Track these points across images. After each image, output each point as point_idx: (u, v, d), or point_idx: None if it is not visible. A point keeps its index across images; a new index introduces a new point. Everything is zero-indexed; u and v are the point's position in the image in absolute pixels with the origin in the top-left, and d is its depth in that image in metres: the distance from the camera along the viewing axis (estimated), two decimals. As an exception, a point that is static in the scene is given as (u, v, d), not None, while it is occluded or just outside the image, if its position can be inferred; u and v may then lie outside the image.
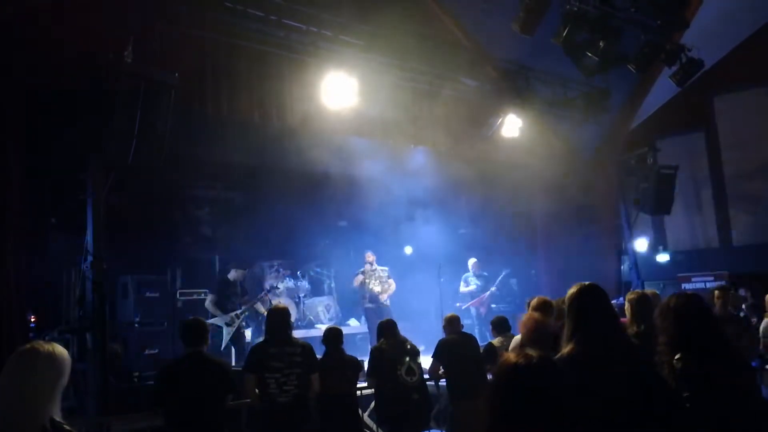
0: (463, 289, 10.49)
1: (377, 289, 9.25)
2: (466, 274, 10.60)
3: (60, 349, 2.19)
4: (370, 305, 9.18)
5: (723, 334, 2.84)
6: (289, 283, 10.58)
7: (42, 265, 7.37)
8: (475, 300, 10.37)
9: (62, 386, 2.16)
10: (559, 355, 2.73)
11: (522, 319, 4.26)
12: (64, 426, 2.09)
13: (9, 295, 5.77)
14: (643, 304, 4.39)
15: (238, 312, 7.93)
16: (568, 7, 7.59)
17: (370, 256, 9.47)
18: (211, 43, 7.27)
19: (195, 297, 8.50)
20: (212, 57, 7.27)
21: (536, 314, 4.26)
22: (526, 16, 7.30)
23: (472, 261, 10.66)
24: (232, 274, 8.23)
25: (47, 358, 2.13)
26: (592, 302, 2.84)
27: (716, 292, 5.95)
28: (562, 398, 1.67)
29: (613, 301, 3.46)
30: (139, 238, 8.83)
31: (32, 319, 6.93)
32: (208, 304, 7.94)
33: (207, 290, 8.48)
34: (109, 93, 5.60)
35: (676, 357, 2.71)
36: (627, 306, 4.54)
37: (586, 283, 2.95)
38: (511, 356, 1.76)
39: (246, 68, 7.54)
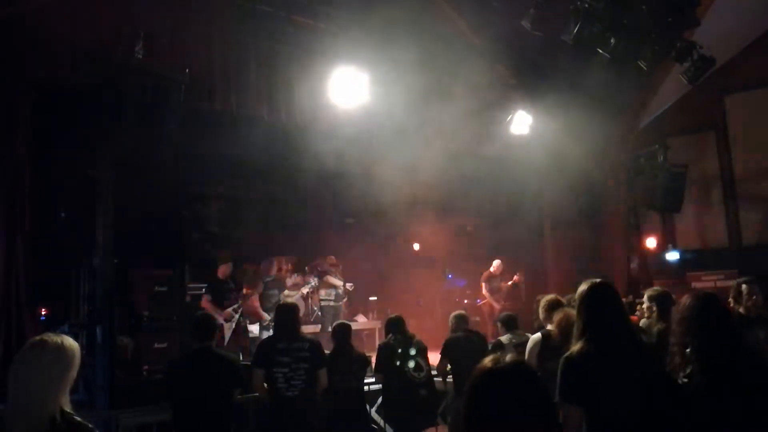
0: (485, 292, 10.40)
1: (340, 289, 9.41)
2: (488, 273, 10.54)
3: (69, 341, 2.21)
4: (332, 303, 9.30)
5: (735, 336, 2.81)
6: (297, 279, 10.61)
7: (52, 259, 7.42)
8: (492, 299, 10.31)
9: (72, 377, 2.18)
10: (569, 352, 2.73)
11: (559, 316, 4.19)
12: (74, 417, 2.11)
13: (20, 288, 5.83)
14: (666, 301, 4.37)
15: (235, 306, 7.94)
16: (578, 3, 7.55)
17: (332, 259, 9.59)
18: (220, 39, 7.29)
19: (202, 292, 8.52)
20: (221, 53, 7.29)
21: (570, 310, 4.18)
22: (536, 13, 7.27)
23: (497, 262, 10.61)
24: (221, 271, 8.22)
25: (57, 350, 2.15)
26: (602, 300, 2.83)
27: None
28: (536, 404, 1.62)
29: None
30: (148, 234, 8.86)
31: (43, 313, 6.99)
32: (204, 303, 7.93)
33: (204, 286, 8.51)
34: (118, 89, 5.62)
35: (686, 350, 2.70)
36: (648, 304, 4.51)
37: (597, 280, 2.93)
38: (485, 361, 1.71)
39: (255, 65, 7.56)
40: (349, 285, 9.76)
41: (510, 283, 10.64)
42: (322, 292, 9.46)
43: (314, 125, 8.11)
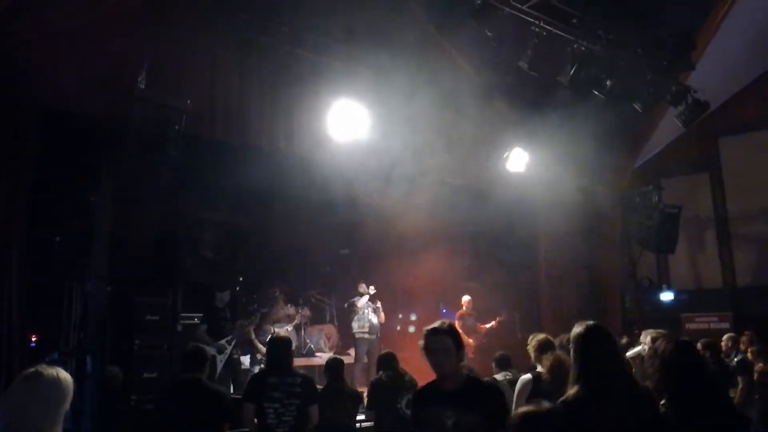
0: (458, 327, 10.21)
1: (375, 321, 9.13)
2: (460, 312, 10.43)
3: (64, 374, 2.21)
4: (368, 336, 8.98)
5: (711, 382, 2.83)
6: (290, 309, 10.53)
7: (44, 284, 7.37)
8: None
9: (65, 410, 2.17)
10: (565, 396, 2.72)
11: (549, 361, 4.20)
12: None
13: (11, 312, 5.77)
14: None
15: (229, 339, 7.79)
16: (575, 46, 7.71)
17: (365, 287, 9.33)
18: (222, 70, 7.40)
19: (196, 321, 8.43)
20: (223, 84, 7.39)
21: (562, 354, 4.18)
22: (533, 55, 7.41)
23: (466, 299, 10.48)
24: (218, 300, 8.09)
25: (51, 383, 2.15)
26: (598, 343, 2.83)
27: None
28: None
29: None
30: (141, 260, 8.82)
31: (33, 339, 6.90)
32: (200, 334, 7.78)
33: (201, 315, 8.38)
34: (121, 117, 5.68)
35: (661, 403, 2.70)
36: (651, 346, 4.47)
37: (591, 323, 2.94)
38: (524, 408, 1.77)
39: (256, 96, 7.65)
40: (373, 312, 9.28)
41: (488, 325, 10.47)
42: (354, 325, 9.11)
43: (313, 157, 8.18)
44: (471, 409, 2.81)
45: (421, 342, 3.13)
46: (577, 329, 2.93)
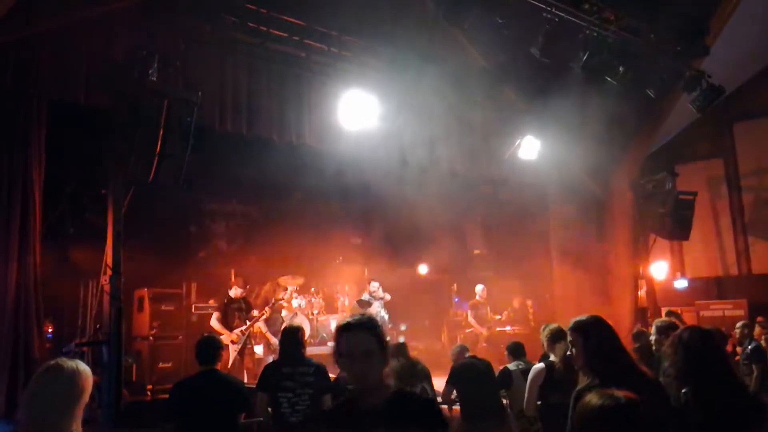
0: (470, 318, 10.25)
1: (387, 318, 9.11)
2: (473, 300, 10.43)
3: (83, 366, 2.26)
4: None
5: (733, 373, 2.82)
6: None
7: (60, 275, 7.48)
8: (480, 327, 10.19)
9: (84, 402, 2.22)
10: (579, 386, 2.74)
11: (562, 351, 4.21)
12: None
13: (29, 303, 5.85)
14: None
15: (243, 328, 7.80)
16: (587, 32, 7.62)
17: (378, 287, 9.29)
18: (232, 62, 7.41)
19: (210, 311, 8.51)
20: (233, 76, 7.40)
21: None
22: (545, 41, 7.34)
23: (479, 288, 10.47)
24: (234, 291, 8.10)
25: (72, 376, 2.20)
26: (602, 333, 2.85)
27: None
28: None
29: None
30: (155, 251, 8.91)
31: (50, 330, 7.01)
32: (213, 321, 7.80)
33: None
34: (132, 110, 5.70)
35: (683, 391, 2.70)
36: (657, 336, 4.47)
37: (594, 315, 2.97)
38: (593, 398, 1.66)
39: (266, 87, 7.66)
40: (383, 309, 9.20)
41: (498, 317, 10.47)
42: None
43: (324, 147, 8.19)
44: None
45: (332, 344, 2.26)
46: (580, 319, 2.95)
